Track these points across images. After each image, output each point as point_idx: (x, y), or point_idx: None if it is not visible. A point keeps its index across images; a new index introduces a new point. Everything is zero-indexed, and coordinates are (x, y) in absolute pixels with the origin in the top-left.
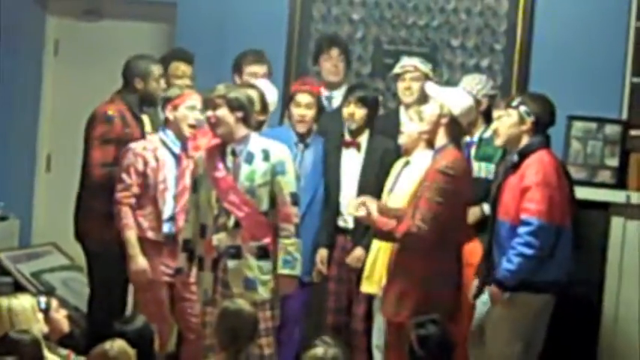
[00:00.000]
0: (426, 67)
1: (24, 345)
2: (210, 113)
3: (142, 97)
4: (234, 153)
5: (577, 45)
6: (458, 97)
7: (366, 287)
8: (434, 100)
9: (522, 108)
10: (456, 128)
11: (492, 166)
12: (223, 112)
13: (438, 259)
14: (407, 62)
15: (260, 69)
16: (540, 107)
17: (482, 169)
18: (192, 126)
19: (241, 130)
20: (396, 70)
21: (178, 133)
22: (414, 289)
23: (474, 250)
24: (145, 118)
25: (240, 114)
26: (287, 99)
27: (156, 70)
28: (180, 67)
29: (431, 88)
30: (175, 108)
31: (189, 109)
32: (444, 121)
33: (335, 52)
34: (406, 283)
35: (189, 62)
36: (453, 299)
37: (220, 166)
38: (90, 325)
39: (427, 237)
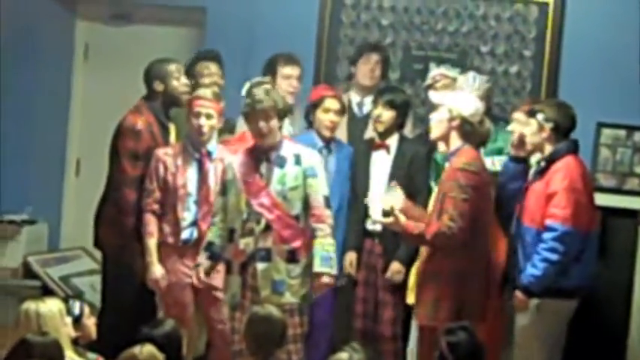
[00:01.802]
0: (453, 72)
1: (41, 347)
2: (263, 124)
3: (164, 99)
4: (267, 158)
5: (606, 52)
6: (464, 99)
7: (412, 298)
8: (442, 107)
9: (540, 116)
10: (469, 129)
11: (505, 158)
12: (275, 123)
13: (469, 258)
14: (435, 72)
15: (294, 71)
16: (558, 113)
17: (495, 164)
18: (199, 132)
19: (278, 136)
20: (428, 81)
21: (197, 139)
22: (448, 292)
23: (500, 252)
24: (172, 127)
25: (281, 122)
26: (311, 105)
27: (174, 68)
28: (208, 66)
29: (434, 96)
30: (191, 115)
31: (195, 116)
32: (454, 124)
33: (375, 57)
34: (440, 287)
35: (215, 61)
36: (486, 297)
37: (252, 169)
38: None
39: (458, 235)
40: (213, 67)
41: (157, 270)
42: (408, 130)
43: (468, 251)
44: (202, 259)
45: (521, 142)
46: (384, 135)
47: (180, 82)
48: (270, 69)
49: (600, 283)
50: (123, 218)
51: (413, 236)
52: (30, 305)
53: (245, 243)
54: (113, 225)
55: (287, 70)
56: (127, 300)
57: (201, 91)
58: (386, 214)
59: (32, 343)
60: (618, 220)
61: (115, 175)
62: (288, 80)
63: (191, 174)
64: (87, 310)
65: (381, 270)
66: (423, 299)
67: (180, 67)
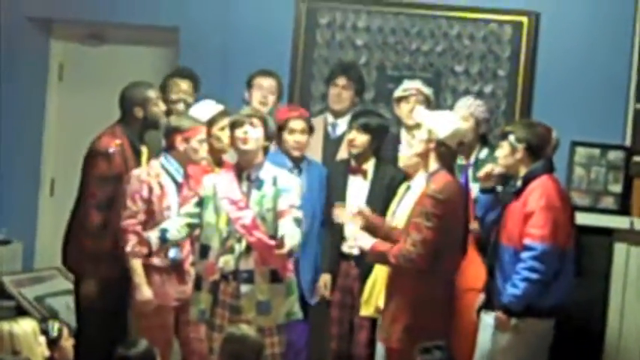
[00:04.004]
0: (428, 90)
1: None
2: (249, 129)
3: (143, 124)
4: (249, 178)
5: (581, 71)
6: (443, 121)
7: (365, 311)
8: (423, 127)
9: (511, 137)
10: (446, 152)
11: None
12: (259, 133)
13: (428, 284)
14: (410, 85)
15: (264, 81)
16: (528, 133)
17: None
18: (202, 159)
19: (260, 157)
20: (400, 92)
21: (183, 163)
22: (403, 314)
23: (478, 275)
24: (144, 150)
25: (268, 143)
26: (277, 126)
27: (153, 94)
28: (179, 84)
29: (419, 113)
30: (187, 140)
31: (200, 142)
32: (432, 145)
33: (342, 80)
34: (397, 308)
35: (188, 78)
36: (442, 325)
37: (237, 189)
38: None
39: (417, 261)
40: (183, 85)
41: (147, 291)
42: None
43: (427, 278)
44: (153, 236)
45: (487, 175)
46: (360, 159)
47: (159, 108)
48: (248, 83)
49: (575, 301)
50: (83, 240)
51: (378, 253)
52: (3, 326)
53: (225, 261)
54: (78, 245)
55: (258, 81)
56: (95, 321)
57: (191, 122)
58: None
59: None
60: (593, 239)
61: (83, 196)
62: (260, 91)
63: (172, 196)
64: (65, 331)
65: (357, 293)
66: (383, 318)
67: (158, 92)
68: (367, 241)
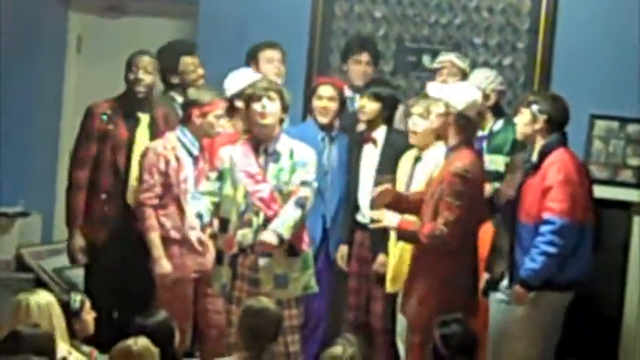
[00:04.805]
0: (463, 63)
1: (32, 339)
2: (266, 103)
3: (128, 88)
4: (266, 151)
5: (600, 44)
6: (459, 92)
7: (391, 287)
8: (440, 101)
9: (534, 107)
10: (467, 124)
11: (501, 158)
12: (277, 106)
13: (458, 262)
14: (443, 57)
15: (275, 54)
16: (552, 106)
17: (493, 162)
18: (217, 134)
19: (277, 130)
20: (434, 64)
21: (198, 136)
22: (434, 292)
23: (483, 242)
24: (144, 118)
25: (284, 115)
26: (309, 93)
27: (143, 59)
28: (189, 61)
29: (432, 88)
30: (204, 115)
31: (217, 117)
32: (451, 119)
33: (365, 57)
34: (426, 286)
35: (194, 53)
36: (472, 300)
37: (254, 162)
38: None
39: (450, 240)
40: (195, 61)
41: (166, 264)
42: (399, 121)
43: (455, 257)
44: (197, 225)
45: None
46: (370, 127)
47: (138, 75)
48: (252, 56)
49: (593, 275)
50: (70, 197)
51: (408, 233)
52: (23, 297)
53: (243, 234)
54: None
55: (268, 53)
56: (99, 291)
57: (210, 96)
58: (373, 220)
59: (22, 335)
60: (611, 212)
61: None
62: (271, 63)
63: (188, 169)
64: (87, 304)
65: (371, 263)
66: (409, 296)
67: (150, 60)
68: (393, 220)
